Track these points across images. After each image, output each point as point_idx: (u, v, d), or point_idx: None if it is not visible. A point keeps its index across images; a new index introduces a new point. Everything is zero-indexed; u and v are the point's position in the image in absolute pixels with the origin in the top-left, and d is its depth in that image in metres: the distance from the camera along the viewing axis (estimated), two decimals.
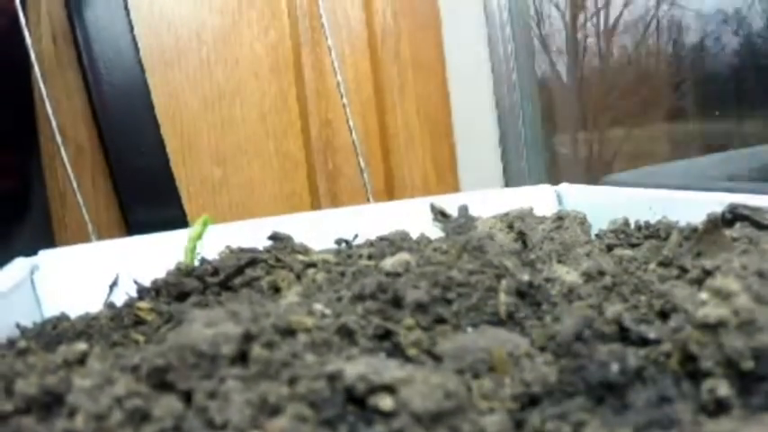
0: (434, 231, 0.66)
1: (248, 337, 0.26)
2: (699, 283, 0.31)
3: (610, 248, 0.51)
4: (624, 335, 0.29)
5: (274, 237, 0.61)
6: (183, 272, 0.49)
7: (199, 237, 0.50)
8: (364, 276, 0.40)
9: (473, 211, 0.70)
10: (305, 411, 0.24)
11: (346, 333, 0.30)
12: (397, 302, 0.32)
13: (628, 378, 0.25)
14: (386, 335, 0.31)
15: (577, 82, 1.29)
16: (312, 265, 0.53)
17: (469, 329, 0.31)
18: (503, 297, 0.33)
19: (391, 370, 0.25)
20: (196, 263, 0.52)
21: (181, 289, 0.48)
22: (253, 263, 0.52)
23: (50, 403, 0.26)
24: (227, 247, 0.57)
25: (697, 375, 0.25)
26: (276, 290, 0.48)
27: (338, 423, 0.24)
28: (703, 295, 0.26)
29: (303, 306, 0.32)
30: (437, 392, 0.24)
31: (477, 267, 0.35)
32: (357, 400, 0.24)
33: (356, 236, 0.64)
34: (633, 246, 0.51)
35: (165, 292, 0.48)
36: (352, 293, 0.33)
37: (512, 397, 0.26)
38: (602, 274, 0.39)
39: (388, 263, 0.36)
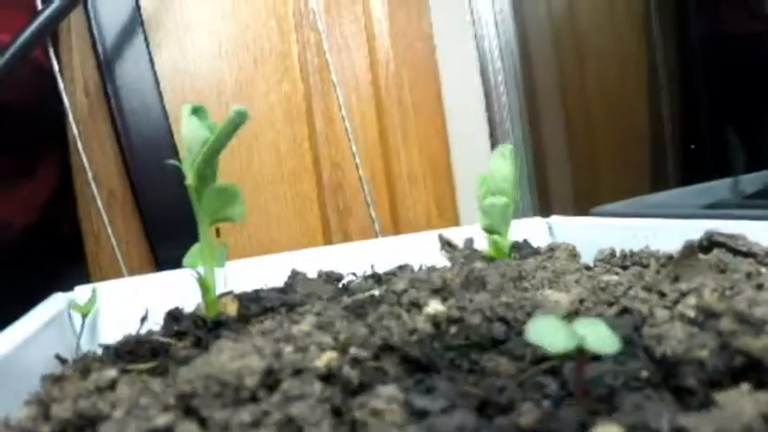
0: (438, 261, 0.66)
1: (270, 372, 0.27)
2: (676, 303, 0.31)
3: (597, 275, 0.51)
4: None
5: (291, 271, 0.61)
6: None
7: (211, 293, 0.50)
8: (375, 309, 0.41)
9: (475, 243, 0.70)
10: None
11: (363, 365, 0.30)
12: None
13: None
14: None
15: (566, 123, 1.30)
16: (326, 297, 0.53)
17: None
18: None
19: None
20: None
21: (204, 321, 0.48)
22: (272, 297, 0.52)
23: (84, 426, 0.26)
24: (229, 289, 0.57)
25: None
26: (293, 322, 0.48)
27: None
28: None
29: (317, 339, 0.32)
30: None
31: (480, 294, 0.35)
32: None
33: (367, 271, 0.64)
34: (618, 273, 0.50)
35: (190, 324, 0.48)
36: (368, 325, 0.33)
37: None
38: (589, 298, 0.39)
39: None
